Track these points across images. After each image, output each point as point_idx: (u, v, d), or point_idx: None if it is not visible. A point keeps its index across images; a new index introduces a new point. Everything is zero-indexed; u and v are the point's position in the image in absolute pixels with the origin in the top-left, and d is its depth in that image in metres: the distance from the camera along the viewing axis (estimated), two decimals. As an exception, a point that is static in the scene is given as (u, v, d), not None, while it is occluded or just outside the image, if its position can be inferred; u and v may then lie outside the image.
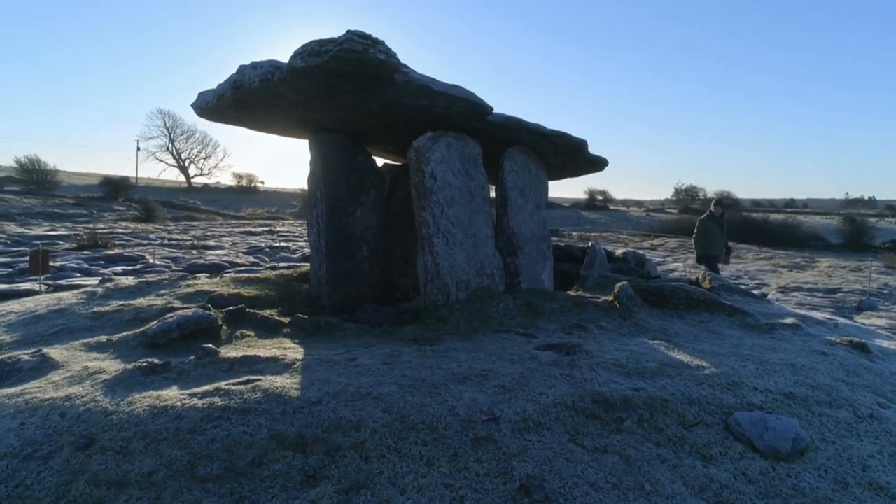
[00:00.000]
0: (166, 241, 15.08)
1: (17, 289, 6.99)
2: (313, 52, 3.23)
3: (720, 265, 8.41)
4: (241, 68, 3.99)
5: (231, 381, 2.37)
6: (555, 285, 5.63)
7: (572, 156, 5.00)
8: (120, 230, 17.71)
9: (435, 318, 3.78)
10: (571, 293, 4.77)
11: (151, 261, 10.71)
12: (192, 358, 2.77)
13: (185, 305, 4.20)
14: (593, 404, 2.32)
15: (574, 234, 23.43)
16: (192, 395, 2.25)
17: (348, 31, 3.08)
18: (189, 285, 4.97)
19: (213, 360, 2.73)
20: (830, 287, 11.24)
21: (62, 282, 7.62)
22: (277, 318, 3.93)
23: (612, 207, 43.68)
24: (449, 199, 3.92)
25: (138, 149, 63.98)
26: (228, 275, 5.78)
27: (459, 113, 3.88)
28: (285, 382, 2.37)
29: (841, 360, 3.27)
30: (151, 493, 1.81)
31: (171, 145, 50.91)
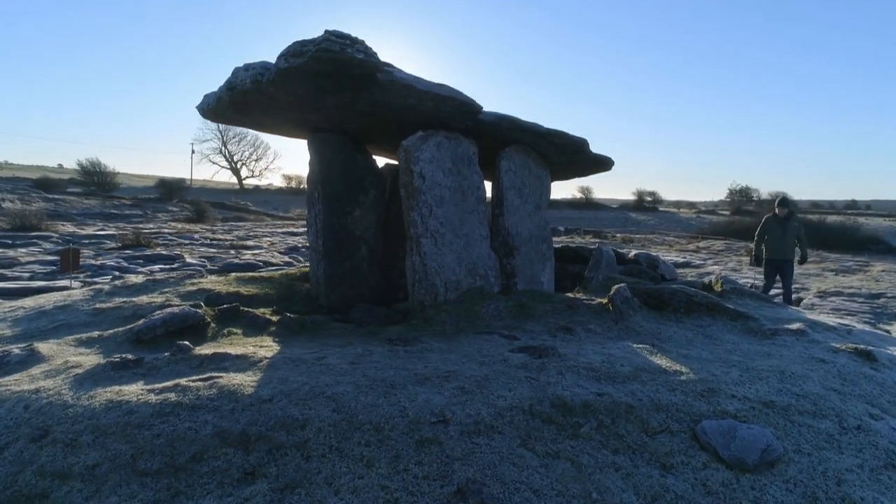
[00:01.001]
0: (208, 241, 15.45)
1: (53, 285, 7.28)
2: (295, 53, 3.25)
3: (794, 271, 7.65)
4: (236, 70, 4.04)
5: (192, 378, 2.40)
6: (565, 287, 5.53)
7: (573, 155, 4.90)
8: (167, 230, 18.25)
9: (422, 319, 3.76)
10: (569, 295, 4.68)
11: (189, 260, 10.99)
12: (166, 354, 2.82)
13: (184, 303, 4.29)
14: (551, 409, 2.25)
15: (618, 235, 22.93)
16: (151, 391, 2.28)
17: (326, 31, 3.09)
18: (193, 284, 5.08)
19: (186, 357, 2.77)
20: (874, 292, 10.69)
21: (97, 280, 7.91)
22: (269, 316, 3.97)
23: (661, 209, 42.80)
24: (438, 198, 3.89)
25: (193, 151, 66.14)
26: (233, 274, 5.87)
27: (448, 112, 3.85)
28: (244, 380, 2.39)
29: (840, 368, 3.10)
30: (92, 485, 1.84)
31: (223, 148, 52.31)
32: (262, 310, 4.20)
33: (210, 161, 53.81)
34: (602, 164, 5.36)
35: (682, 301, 4.21)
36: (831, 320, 4.73)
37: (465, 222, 4.13)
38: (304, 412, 2.12)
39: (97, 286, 5.12)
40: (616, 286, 4.20)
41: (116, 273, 8.86)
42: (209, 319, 3.67)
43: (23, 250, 11.35)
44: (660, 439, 2.20)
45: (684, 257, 14.97)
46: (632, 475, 2.00)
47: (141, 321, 3.44)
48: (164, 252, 11.81)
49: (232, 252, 13.00)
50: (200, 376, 2.42)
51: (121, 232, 15.56)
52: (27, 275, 8.54)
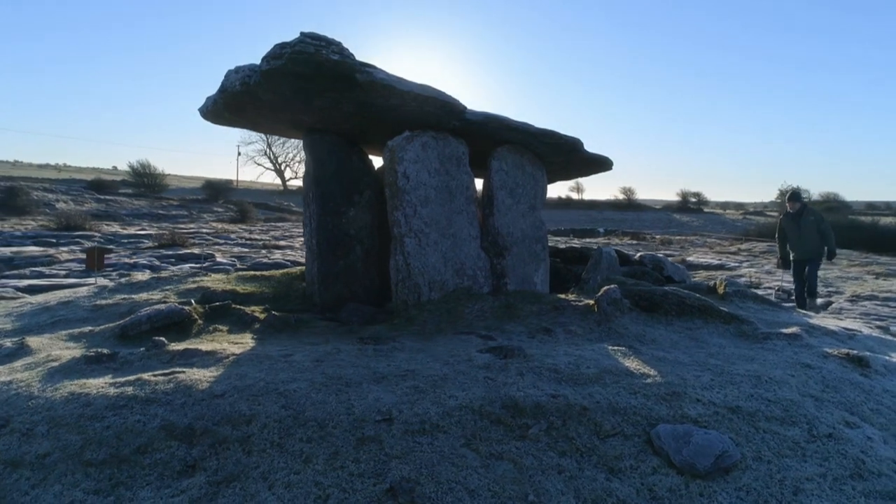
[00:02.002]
0: (243, 241, 15.74)
1: (83, 282, 7.52)
2: (275, 55, 3.30)
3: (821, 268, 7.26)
4: (228, 72, 4.13)
5: (156, 373, 2.46)
6: (568, 288, 5.46)
7: (568, 155, 4.85)
8: (205, 230, 18.67)
9: (405, 318, 3.77)
10: (561, 296, 4.62)
11: (219, 259, 11.22)
12: (142, 349, 2.90)
13: (181, 300, 4.40)
14: (502, 409, 2.24)
15: (657, 237, 22.51)
16: (113, 385, 2.35)
17: (301, 34, 3.13)
18: (194, 282, 5.20)
19: (159, 353, 2.84)
20: (913, 296, 10.24)
21: (123, 279, 8.15)
22: (257, 314, 4.04)
23: (706, 210, 41.94)
24: (423, 198, 3.90)
25: (239, 153, 67.54)
26: (235, 273, 5.98)
27: (433, 112, 3.85)
28: (204, 375, 2.44)
29: (826, 373, 2.99)
30: (40, 473, 1.90)
31: (268, 150, 53.28)
32: (253, 308, 4.26)
33: (255, 163, 54.92)
34: (599, 164, 5.28)
35: (673, 303, 4.12)
36: (834, 324, 4.56)
37: (453, 222, 4.12)
38: (252, 408, 2.15)
39: (102, 282, 5.28)
40: (606, 287, 4.13)
41: (148, 271, 9.10)
42: (196, 316, 3.75)
43: (64, 249, 11.76)
44: (611, 443, 2.15)
45: (720, 259, 14.57)
46: (575, 478, 1.97)
47: (129, 317, 3.54)
48: (196, 251, 12.06)
49: (263, 252, 13.22)
50: (164, 371, 2.48)
51: (159, 232, 15.94)
52: (63, 272, 8.86)
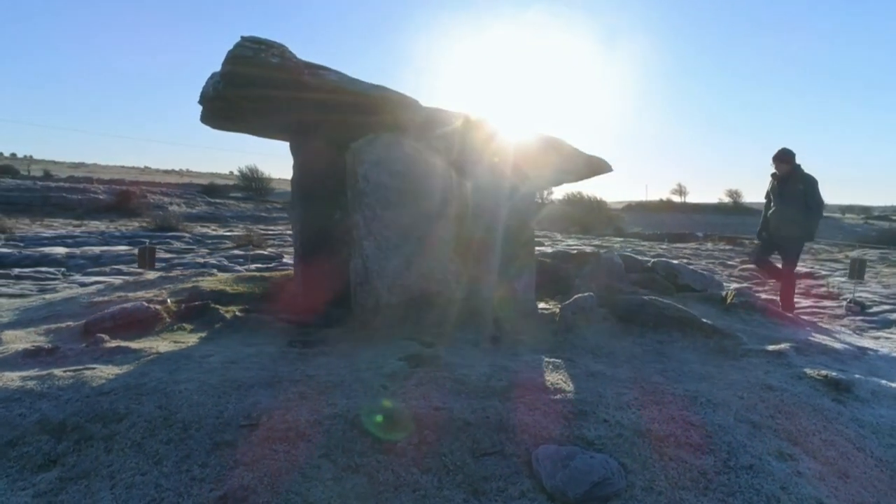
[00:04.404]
0: None
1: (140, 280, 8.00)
2: (225, 60, 3.36)
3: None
4: (209, 78, 4.26)
5: (67, 368, 2.55)
6: (568, 295, 5.23)
7: (552, 155, 4.64)
8: (288, 232, 19.29)
9: (360, 323, 3.73)
10: (541, 304, 4.43)
11: (286, 259, 11.49)
12: (82, 345, 3.02)
13: (176, 299, 4.58)
14: (376, 420, 2.15)
15: (756, 242, 21.27)
16: (24, 378, 2.45)
17: (242, 38, 3.17)
18: (192, 281, 5.39)
19: (96, 349, 2.95)
20: None
21: (131, 277, 8.58)
22: (231, 314, 4.13)
23: (823, 214, 39.33)
24: (383, 200, 3.85)
25: None
26: (247, 273, 6.16)
27: (393, 114, 3.80)
28: (108, 373, 2.50)
29: (787, 397, 2.68)
30: (-81, 460, 2.00)
31: None
32: (231, 308, 4.36)
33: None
34: (595, 166, 5.03)
35: (651, 314, 3.84)
36: (849, 341, 4.09)
37: (418, 226, 4.04)
38: (129, 406, 2.18)
39: (108, 281, 5.58)
40: (578, 295, 3.92)
41: (215, 270, 9.44)
42: (165, 315, 3.88)
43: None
44: (485, 462, 2.02)
45: (812, 267, 13.44)
46: (429, 497, 1.86)
47: (95, 314, 3.71)
48: (267, 252, 12.34)
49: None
50: (76, 367, 2.57)
51: (238, 233, 16.45)
52: (140, 271, 9.41)
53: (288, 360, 2.81)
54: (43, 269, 8.44)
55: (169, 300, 4.27)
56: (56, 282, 7.56)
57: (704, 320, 3.79)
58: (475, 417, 2.19)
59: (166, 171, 64.05)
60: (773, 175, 5.65)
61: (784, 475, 2.07)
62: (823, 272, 12.55)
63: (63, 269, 8.59)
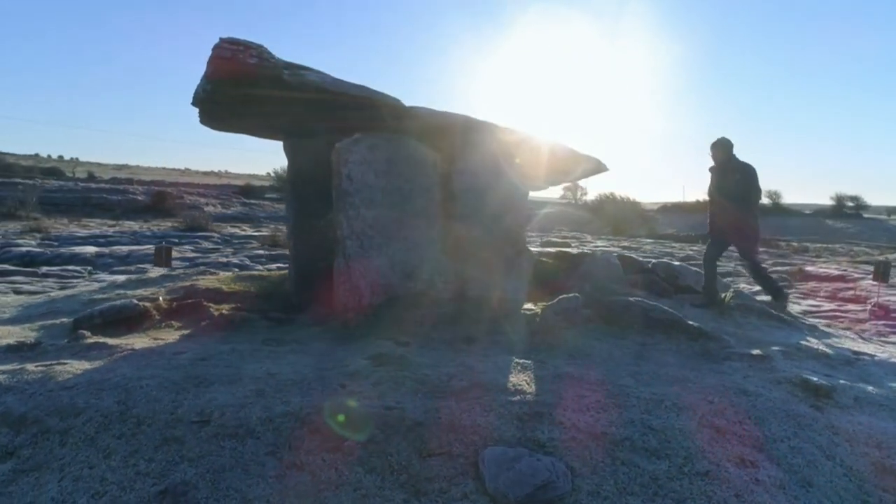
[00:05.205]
0: None
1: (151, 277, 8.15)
2: (207, 62, 3.41)
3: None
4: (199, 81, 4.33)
5: (40, 363, 2.62)
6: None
7: (542, 154, 4.61)
8: None
9: (341, 322, 3.75)
10: (528, 306, 4.40)
11: None
12: (64, 341, 3.10)
13: (171, 297, 4.67)
14: (326, 417, 2.15)
15: (793, 244, 20.75)
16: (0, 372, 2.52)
17: (220, 39, 3.22)
18: (192, 280, 5.49)
19: (77, 345, 3.02)
20: None
21: (135, 276, 8.72)
22: (219, 312, 4.19)
23: (866, 216, 38.19)
24: (367, 200, 3.86)
25: None
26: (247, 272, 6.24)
27: (375, 111, 3.81)
28: (77, 368, 2.55)
29: (760, 402, 2.62)
30: None
31: None
32: (222, 306, 4.43)
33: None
34: (592, 166, 4.96)
35: (636, 316, 3.79)
36: (839, 346, 3.96)
37: (405, 225, 4.05)
38: (88, 401, 2.23)
39: (112, 279, 5.71)
40: (562, 296, 3.88)
41: (236, 269, 9.55)
42: (154, 312, 3.96)
43: (178, 247, 12.70)
44: (431, 462, 2.01)
45: (845, 270, 13.00)
46: (370, 497, 1.85)
47: (85, 311, 3.80)
48: (287, 252, 12.33)
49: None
50: (48, 362, 2.63)
51: (263, 234, 16.54)
52: (163, 269, 9.57)
53: (257, 359, 2.84)
54: (70, 267, 8.63)
55: (161, 298, 4.35)
56: (79, 280, 7.73)
57: (691, 322, 3.71)
58: (427, 417, 2.18)
59: (205, 173, 65.36)
60: (711, 168, 5.20)
61: (741, 482, 2.01)
62: (856, 275, 12.15)
63: (89, 268, 8.77)
